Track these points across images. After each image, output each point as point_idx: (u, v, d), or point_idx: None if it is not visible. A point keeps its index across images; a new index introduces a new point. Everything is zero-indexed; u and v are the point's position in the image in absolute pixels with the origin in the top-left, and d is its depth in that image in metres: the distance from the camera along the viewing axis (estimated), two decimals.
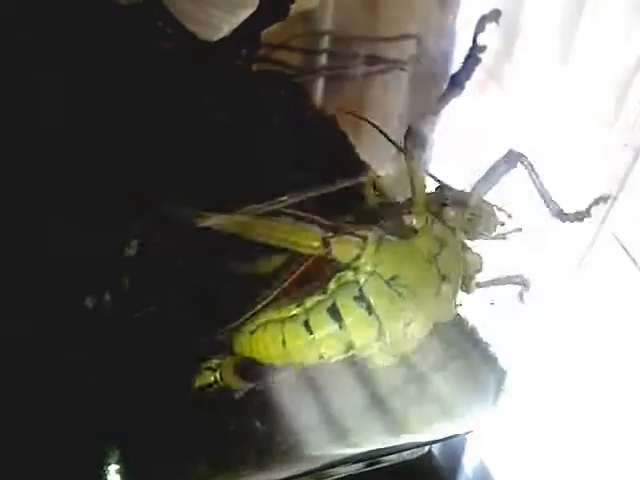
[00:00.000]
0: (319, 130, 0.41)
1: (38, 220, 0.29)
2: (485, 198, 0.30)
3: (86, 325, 0.28)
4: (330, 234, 0.27)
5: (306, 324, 0.27)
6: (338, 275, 0.27)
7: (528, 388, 0.35)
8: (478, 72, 0.42)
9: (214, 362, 0.29)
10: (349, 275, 0.27)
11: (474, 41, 0.26)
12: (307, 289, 0.28)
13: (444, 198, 0.30)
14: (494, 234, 0.31)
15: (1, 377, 0.26)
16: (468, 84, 0.40)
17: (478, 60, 0.27)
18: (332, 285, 0.27)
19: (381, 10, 0.45)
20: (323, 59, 0.44)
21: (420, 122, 0.28)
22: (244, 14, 0.37)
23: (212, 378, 0.28)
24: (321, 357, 0.27)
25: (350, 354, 0.27)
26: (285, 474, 0.30)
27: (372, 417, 0.31)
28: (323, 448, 0.30)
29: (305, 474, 0.30)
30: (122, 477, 0.27)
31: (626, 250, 0.33)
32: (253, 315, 0.28)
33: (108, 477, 0.27)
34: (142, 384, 0.28)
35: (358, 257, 0.27)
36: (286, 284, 0.28)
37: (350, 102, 0.43)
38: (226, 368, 0.29)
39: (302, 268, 0.28)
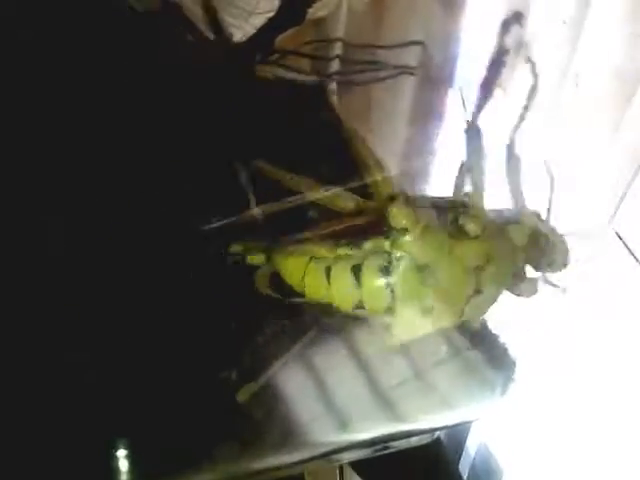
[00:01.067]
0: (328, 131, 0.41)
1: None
2: (557, 231, 0.29)
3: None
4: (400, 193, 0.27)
5: (327, 271, 0.27)
6: (376, 239, 0.27)
7: (531, 375, 0.35)
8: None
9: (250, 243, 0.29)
10: (386, 245, 0.26)
11: (499, 44, 0.25)
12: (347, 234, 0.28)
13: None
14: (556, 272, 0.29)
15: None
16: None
17: (503, 63, 0.26)
18: (366, 245, 0.27)
19: (388, 18, 0.45)
20: (334, 65, 0.44)
21: (472, 127, 0.27)
22: (258, 22, 0.37)
23: (240, 251, 0.29)
24: (330, 303, 0.27)
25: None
26: (295, 458, 0.30)
27: (384, 404, 0.31)
28: (335, 433, 0.30)
29: (315, 458, 0.30)
30: (142, 459, 0.27)
31: (629, 249, 0.32)
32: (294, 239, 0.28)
33: (127, 460, 0.27)
34: (164, 367, 0.28)
35: (405, 231, 0.26)
36: (337, 227, 0.28)
37: (359, 105, 0.43)
38: (262, 276, 0.29)
39: (357, 221, 0.28)
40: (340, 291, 0.27)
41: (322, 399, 0.30)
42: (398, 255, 0.26)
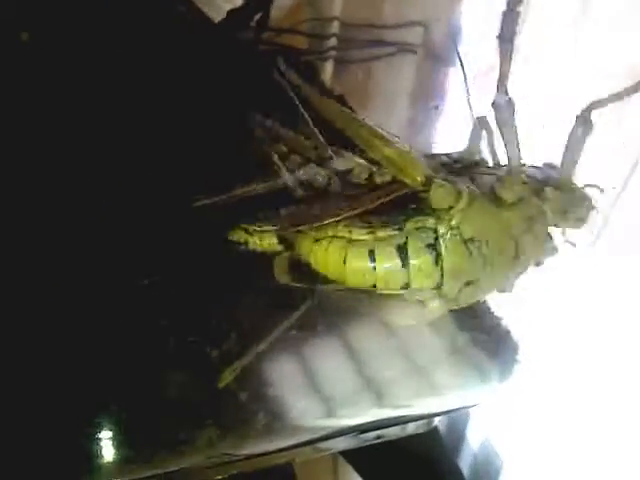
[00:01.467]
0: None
1: None
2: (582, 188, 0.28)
3: None
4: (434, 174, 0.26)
5: (371, 253, 0.26)
6: (418, 218, 0.26)
7: (533, 364, 0.34)
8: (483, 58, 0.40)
9: (252, 227, 0.28)
10: (430, 221, 0.26)
11: None
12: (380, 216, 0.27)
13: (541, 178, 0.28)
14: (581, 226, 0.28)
15: None
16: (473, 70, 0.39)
17: (517, 14, 0.24)
18: (409, 225, 0.26)
19: None
20: (332, 42, 0.43)
21: (500, 92, 0.26)
22: None
23: (242, 239, 0.28)
24: (373, 287, 0.26)
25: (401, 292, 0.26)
26: (281, 445, 0.28)
27: (382, 386, 0.29)
28: (321, 417, 0.29)
29: (301, 445, 0.29)
30: (127, 441, 0.26)
31: None
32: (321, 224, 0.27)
33: (112, 441, 0.26)
34: (145, 349, 0.27)
35: (448, 208, 0.26)
36: (368, 207, 0.26)
37: (359, 82, 0.42)
38: (280, 262, 0.28)
39: (390, 197, 0.26)
40: (387, 273, 0.26)
41: (308, 381, 0.29)
42: (443, 231, 0.26)
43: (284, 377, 0.28)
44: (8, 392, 0.24)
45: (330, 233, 0.26)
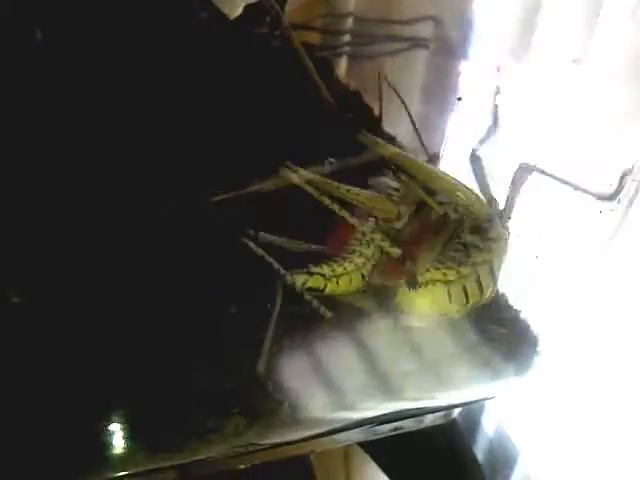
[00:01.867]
0: (344, 103, 0.40)
1: None
2: None
3: None
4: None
5: (464, 289, 0.30)
6: (474, 254, 0.31)
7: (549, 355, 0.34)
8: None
9: (326, 270, 0.29)
10: (485, 255, 0.31)
11: None
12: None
13: None
14: None
15: None
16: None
17: None
18: (477, 258, 0.30)
19: None
20: (346, 38, 0.43)
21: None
22: None
23: (322, 286, 0.28)
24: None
25: None
26: (301, 435, 0.29)
27: (400, 380, 0.30)
28: (342, 409, 0.29)
29: (323, 435, 0.29)
30: (156, 429, 0.26)
31: None
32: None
33: (140, 430, 0.26)
34: (173, 339, 0.27)
35: (494, 240, 0.31)
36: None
37: (373, 75, 0.42)
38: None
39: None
40: (474, 304, 0.30)
41: (331, 374, 0.29)
42: (495, 258, 0.31)
43: (308, 369, 0.29)
44: (48, 379, 0.25)
45: (428, 277, 0.29)
